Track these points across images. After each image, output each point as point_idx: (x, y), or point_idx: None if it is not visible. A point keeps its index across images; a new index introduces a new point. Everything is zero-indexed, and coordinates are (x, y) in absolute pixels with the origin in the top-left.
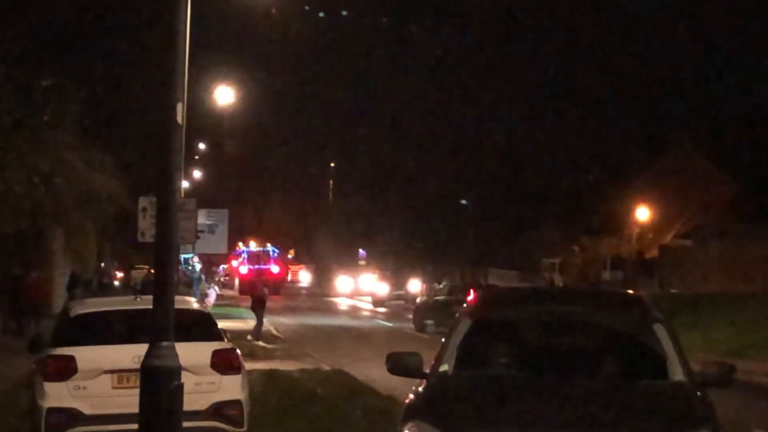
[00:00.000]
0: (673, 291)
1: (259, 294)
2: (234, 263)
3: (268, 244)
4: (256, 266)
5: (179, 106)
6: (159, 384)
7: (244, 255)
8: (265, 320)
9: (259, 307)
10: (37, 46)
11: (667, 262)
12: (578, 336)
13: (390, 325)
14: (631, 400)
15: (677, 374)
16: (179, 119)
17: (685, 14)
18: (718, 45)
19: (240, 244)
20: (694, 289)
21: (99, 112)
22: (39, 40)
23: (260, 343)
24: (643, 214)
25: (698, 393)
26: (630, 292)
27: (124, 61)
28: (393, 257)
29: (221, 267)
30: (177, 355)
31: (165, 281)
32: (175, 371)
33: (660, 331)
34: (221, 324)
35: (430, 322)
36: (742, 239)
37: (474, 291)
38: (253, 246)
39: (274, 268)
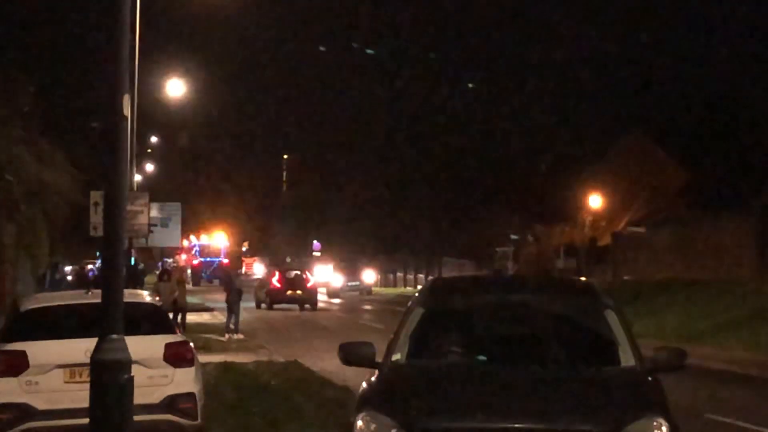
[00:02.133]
0: (626, 278)
1: (236, 287)
2: (183, 257)
3: (218, 237)
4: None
5: (125, 98)
6: (109, 377)
7: (196, 248)
8: (218, 313)
9: (235, 300)
10: None
11: (619, 250)
12: (529, 324)
13: (345, 315)
14: (582, 387)
15: (628, 360)
16: (125, 111)
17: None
18: (669, 31)
19: (192, 237)
20: (646, 276)
21: (49, 105)
22: None
23: (239, 336)
24: (595, 201)
25: (649, 378)
26: (581, 279)
27: (74, 54)
28: (347, 248)
29: (165, 260)
30: (127, 348)
31: (113, 275)
32: (125, 364)
33: (611, 317)
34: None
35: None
36: (694, 226)
37: (278, 273)
38: (204, 239)
39: (225, 261)
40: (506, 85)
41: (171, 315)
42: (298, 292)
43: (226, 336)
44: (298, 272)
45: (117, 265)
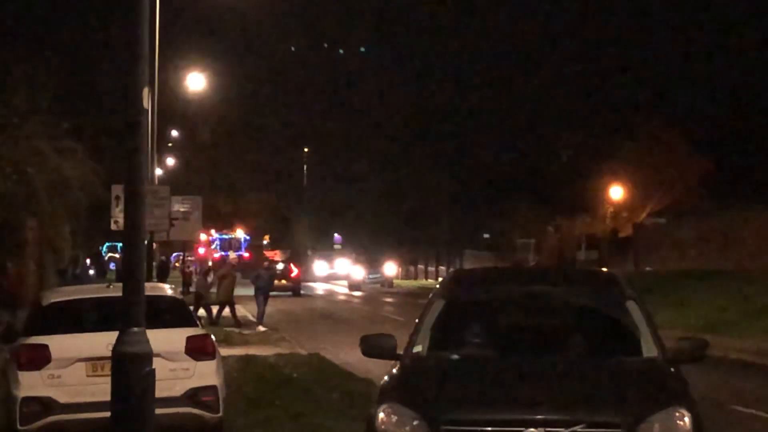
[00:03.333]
0: (647, 269)
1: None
2: (201, 250)
3: (239, 231)
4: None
5: (145, 91)
6: (130, 370)
7: (217, 242)
8: (239, 306)
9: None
10: (4, 36)
11: (641, 241)
12: (552, 315)
13: (366, 308)
14: (604, 377)
15: (650, 351)
16: (145, 104)
17: None
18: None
19: (212, 231)
20: (668, 266)
21: (71, 100)
22: (5, 29)
23: (261, 328)
24: (617, 193)
25: (671, 369)
26: (603, 270)
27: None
28: (368, 241)
29: (174, 255)
30: (148, 341)
31: (135, 268)
32: (147, 357)
33: (633, 308)
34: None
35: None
36: (715, 217)
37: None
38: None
39: (245, 255)
40: (527, 74)
41: (217, 309)
42: (284, 281)
43: (259, 328)
44: (285, 264)
45: (138, 258)
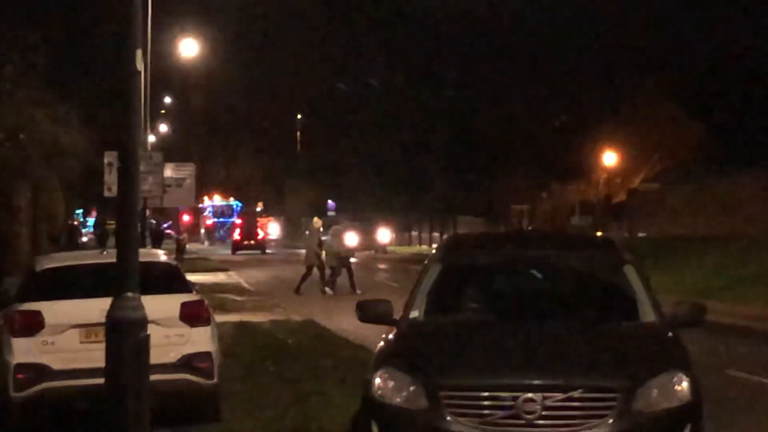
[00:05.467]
0: (641, 235)
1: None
2: (186, 218)
3: (231, 198)
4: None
5: (138, 53)
6: (124, 336)
7: (210, 210)
8: (233, 273)
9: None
10: None
11: (635, 206)
12: (548, 279)
13: (360, 274)
14: (601, 342)
15: (648, 315)
16: (138, 66)
17: None
18: None
19: (205, 198)
20: (662, 232)
21: (63, 65)
22: None
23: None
24: (610, 158)
25: (669, 334)
26: (600, 234)
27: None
28: (362, 207)
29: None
30: (142, 306)
31: (128, 233)
32: (141, 322)
33: (630, 272)
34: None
35: None
36: (710, 182)
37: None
38: (218, 200)
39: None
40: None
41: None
42: (252, 242)
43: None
44: (252, 228)
45: (131, 224)
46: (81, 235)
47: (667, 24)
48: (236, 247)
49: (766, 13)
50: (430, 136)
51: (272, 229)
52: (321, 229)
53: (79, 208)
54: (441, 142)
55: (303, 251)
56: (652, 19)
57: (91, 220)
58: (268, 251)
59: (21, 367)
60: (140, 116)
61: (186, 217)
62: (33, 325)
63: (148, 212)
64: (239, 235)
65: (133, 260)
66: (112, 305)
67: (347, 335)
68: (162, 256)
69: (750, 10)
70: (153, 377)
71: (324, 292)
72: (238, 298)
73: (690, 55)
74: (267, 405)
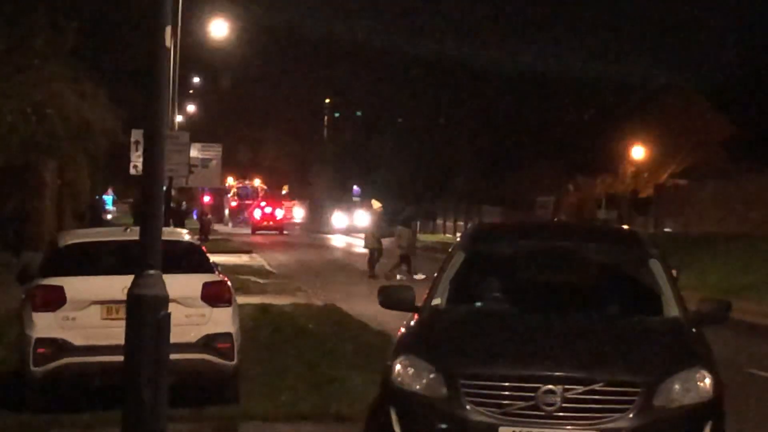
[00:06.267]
0: (667, 230)
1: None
2: (206, 199)
3: (257, 180)
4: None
5: (167, 30)
6: (145, 313)
7: (235, 191)
8: (257, 255)
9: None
10: None
11: (662, 202)
12: (572, 271)
13: (383, 260)
14: (625, 336)
15: (672, 311)
16: (167, 43)
17: None
18: None
19: (228, 179)
20: (689, 228)
21: (93, 43)
22: None
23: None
24: (638, 152)
25: (693, 330)
26: (625, 227)
27: None
28: (388, 194)
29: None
30: (164, 284)
31: (152, 211)
32: (162, 300)
33: (655, 267)
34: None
35: None
36: (737, 179)
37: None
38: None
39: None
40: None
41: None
42: (270, 223)
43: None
44: (271, 210)
45: (156, 202)
46: (106, 212)
47: (698, 19)
48: (255, 227)
49: None
50: (456, 126)
51: (297, 213)
52: (381, 213)
53: (106, 186)
54: (467, 132)
55: (327, 235)
56: (687, 17)
57: (108, 198)
58: (285, 232)
59: (41, 341)
60: (167, 93)
61: (207, 198)
62: (55, 300)
63: (173, 192)
64: (260, 216)
65: (156, 238)
66: (134, 282)
67: (368, 321)
68: (185, 235)
69: None
70: (173, 356)
71: (375, 276)
72: (261, 281)
73: (721, 50)
74: (285, 388)
